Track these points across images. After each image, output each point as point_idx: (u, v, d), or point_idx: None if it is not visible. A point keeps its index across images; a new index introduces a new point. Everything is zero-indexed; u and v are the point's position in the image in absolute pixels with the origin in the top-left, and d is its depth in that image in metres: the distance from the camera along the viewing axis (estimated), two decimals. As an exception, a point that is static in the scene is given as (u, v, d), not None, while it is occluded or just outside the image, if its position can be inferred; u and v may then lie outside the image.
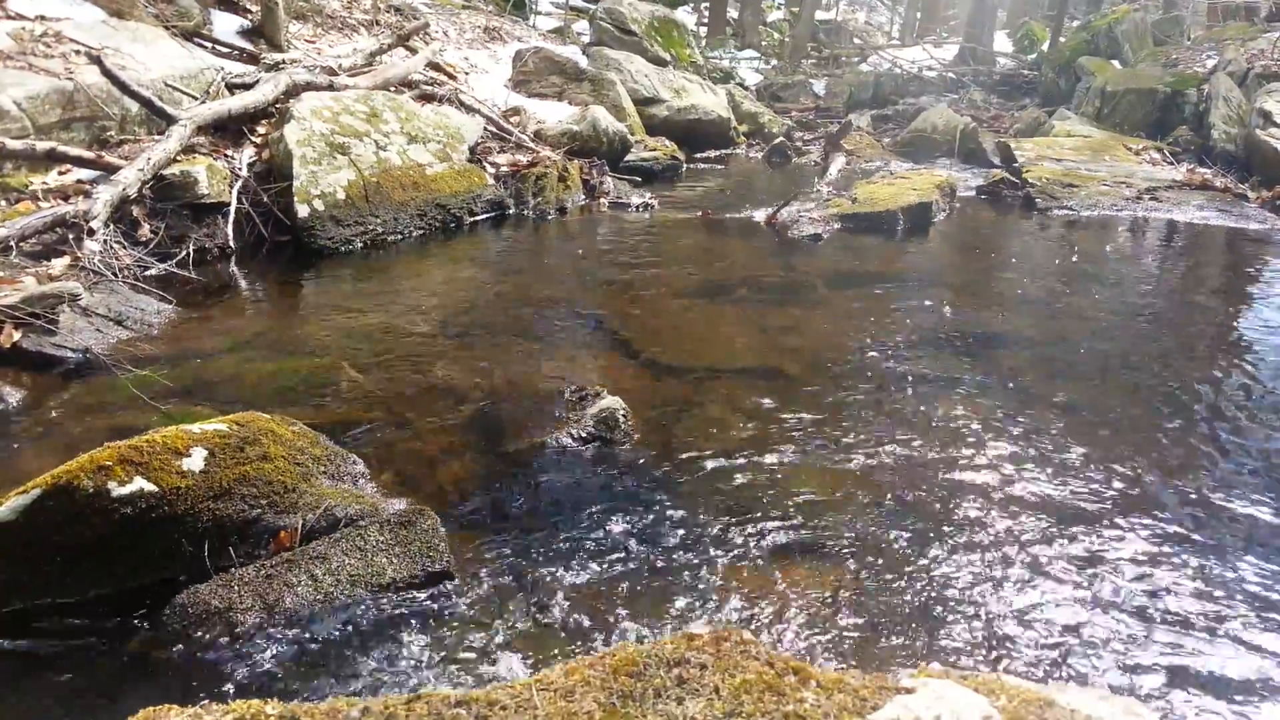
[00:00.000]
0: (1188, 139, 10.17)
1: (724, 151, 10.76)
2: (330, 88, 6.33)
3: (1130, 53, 14.06)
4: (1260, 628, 2.26)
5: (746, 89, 13.94)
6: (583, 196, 7.38)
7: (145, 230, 4.67)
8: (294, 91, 6.04)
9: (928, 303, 5.06)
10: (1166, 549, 2.59)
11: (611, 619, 2.22)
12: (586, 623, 2.20)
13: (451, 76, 8.47)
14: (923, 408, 3.49)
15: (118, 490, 2.13)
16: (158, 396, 3.22)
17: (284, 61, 6.87)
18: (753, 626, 2.19)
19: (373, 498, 2.53)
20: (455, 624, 2.18)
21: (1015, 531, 2.65)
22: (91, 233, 4.18)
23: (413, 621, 2.17)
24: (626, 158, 8.48)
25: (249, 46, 7.23)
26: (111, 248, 4.32)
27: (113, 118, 5.20)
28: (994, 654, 2.15)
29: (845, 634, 2.19)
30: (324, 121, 5.70)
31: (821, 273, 5.58)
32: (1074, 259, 6.33)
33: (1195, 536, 2.66)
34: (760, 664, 1.55)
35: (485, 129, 7.33)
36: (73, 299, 3.74)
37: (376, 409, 3.27)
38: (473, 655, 2.07)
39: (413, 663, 2.04)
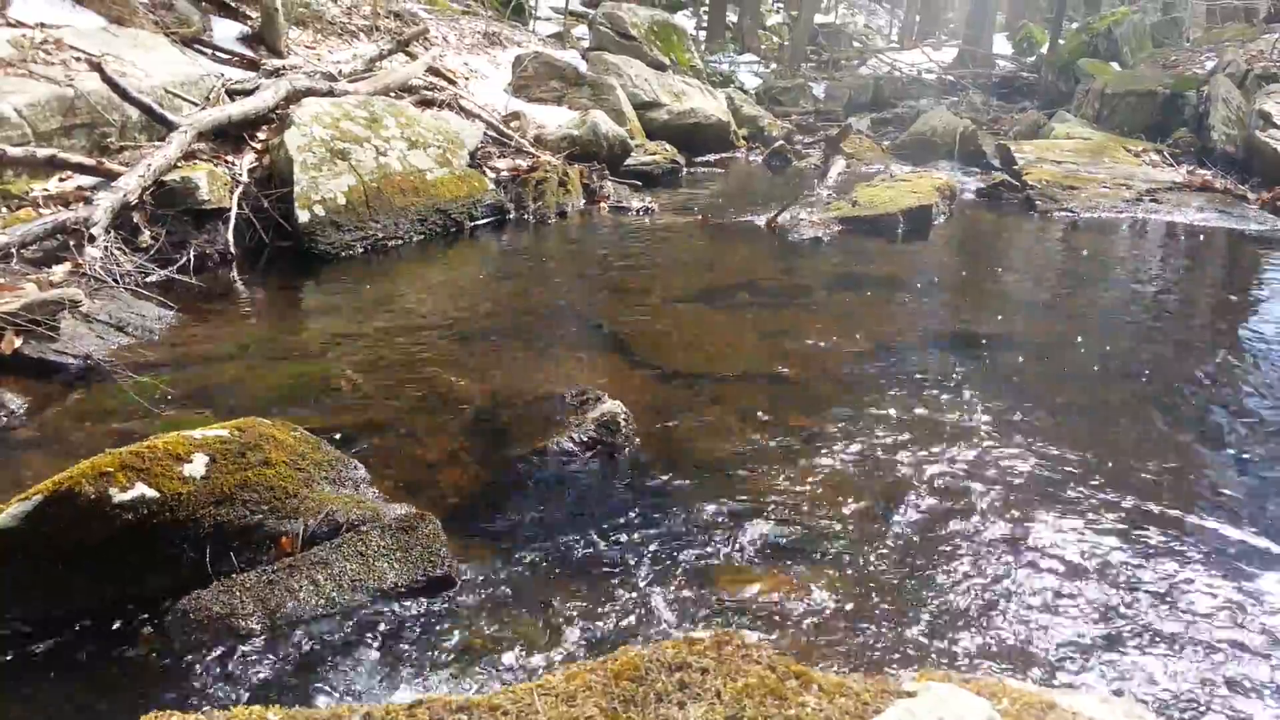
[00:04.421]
0: (1187, 141, 10.17)
1: (724, 155, 10.77)
2: (330, 93, 6.34)
3: (1129, 55, 14.08)
4: (1261, 629, 2.26)
5: (746, 93, 13.95)
6: (583, 201, 7.39)
7: (146, 236, 4.67)
8: (294, 97, 6.05)
9: (928, 305, 5.07)
10: (1170, 552, 2.58)
11: (613, 623, 2.21)
12: (588, 626, 2.20)
13: (451, 82, 8.48)
14: (924, 411, 3.49)
15: (119, 496, 2.13)
16: (159, 402, 3.22)
17: (284, 67, 6.88)
18: (754, 630, 2.19)
19: (374, 503, 2.53)
20: (457, 629, 2.17)
21: (1017, 534, 2.64)
22: (92, 239, 4.19)
23: (414, 626, 2.17)
24: (626, 162, 8.50)
25: (249, 53, 7.24)
26: (112, 254, 4.33)
27: (113, 124, 5.21)
28: (996, 657, 2.15)
29: (847, 637, 2.19)
30: (324, 127, 5.71)
31: (822, 276, 5.58)
32: (1074, 261, 6.33)
33: (1199, 539, 2.66)
34: (762, 668, 1.55)
35: (485, 134, 7.35)
36: (74, 305, 3.74)
37: (378, 414, 3.27)
38: (474, 660, 2.07)
39: (414, 668, 2.04)
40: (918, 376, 3.84)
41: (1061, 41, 15.42)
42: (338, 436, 2.96)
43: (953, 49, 18.84)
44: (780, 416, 3.39)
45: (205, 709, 1.56)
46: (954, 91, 15.82)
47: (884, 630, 2.22)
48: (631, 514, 2.70)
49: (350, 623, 2.15)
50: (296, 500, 2.38)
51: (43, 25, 5.62)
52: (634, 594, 2.33)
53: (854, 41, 21.22)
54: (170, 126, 5.13)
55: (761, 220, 6.94)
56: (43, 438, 3.01)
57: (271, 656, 2.04)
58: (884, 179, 8.56)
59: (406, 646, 2.10)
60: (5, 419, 3.13)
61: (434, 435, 3.14)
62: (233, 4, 7.91)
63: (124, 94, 5.09)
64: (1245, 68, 10.69)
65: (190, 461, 2.27)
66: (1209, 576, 2.47)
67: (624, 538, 2.58)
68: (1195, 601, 2.36)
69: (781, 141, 11.15)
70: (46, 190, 4.67)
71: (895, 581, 2.41)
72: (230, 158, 5.54)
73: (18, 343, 3.46)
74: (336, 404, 3.35)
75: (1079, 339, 4.46)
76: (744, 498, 2.80)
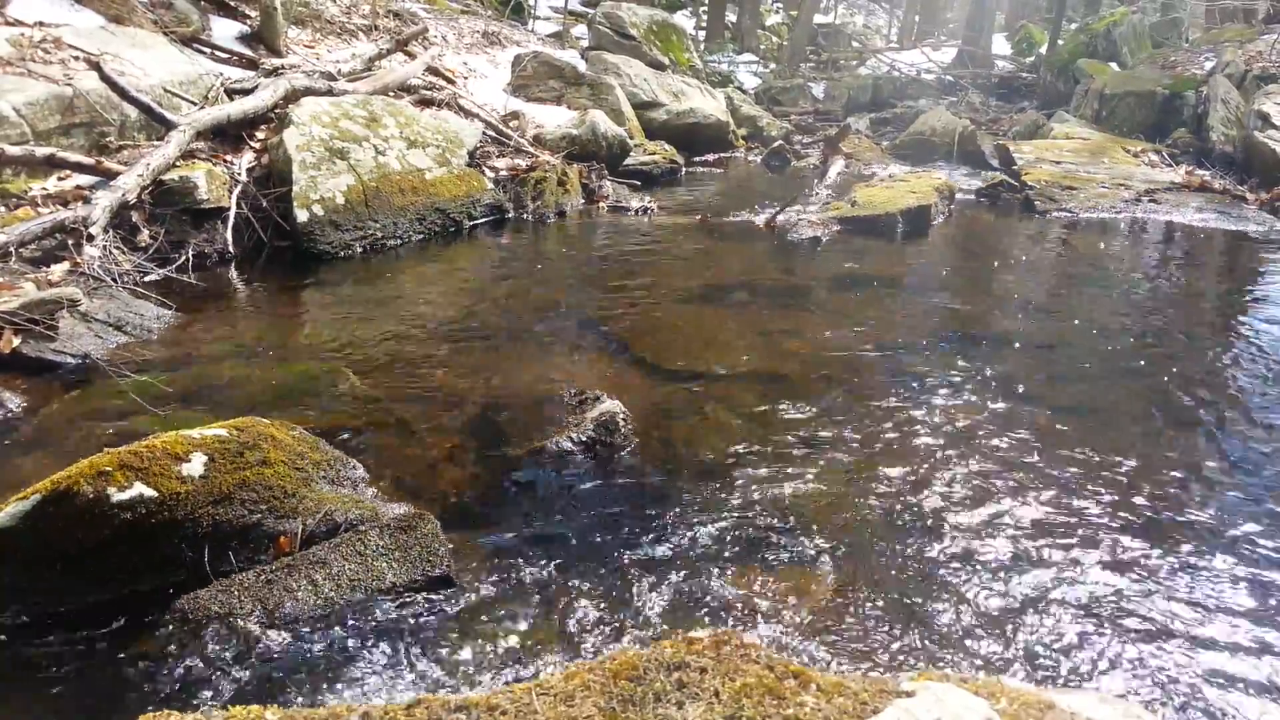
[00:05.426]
0: (1186, 141, 10.18)
1: (723, 155, 10.77)
2: (329, 93, 6.34)
3: (1128, 55, 14.09)
4: (1259, 630, 2.26)
5: (745, 93, 13.95)
6: (582, 200, 7.39)
7: (145, 236, 4.67)
8: (293, 97, 6.05)
9: (927, 305, 5.07)
10: (1168, 552, 2.59)
11: (611, 622, 2.22)
12: (586, 626, 2.20)
13: (450, 81, 8.47)
14: (923, 410, 3.49)
15: (118, 496, 2.13)
16: (157, 402, 3.22)
17: (283, 67, 6.88)
18: (753, 630, 2.19)
19: (373, 502, 2.53)
20: (455, 628, 2.17)
21: (1016, 534, 2.65)
22: (91, 238, 4.19)
23: (412, 626, 2.17)
24: (625, 161, 8.49)
25: (248, 52, 7.23)
26: (111, 253, 4.33)
27: (112, 123, 5.20)
28: (995, 657, 2.15)
29: (845, 637, 2.19)
30: (323, 126, 5.71)
31: (821, 276, 5.58)
32: (1073, 261, 6.34)
33: (1197, 540, 2.66)
34: (760, 667, 1.55)
35: (484, 133, 7.34)
36: (72, 304, 3.74)
37: (376, 413, 3.27)
38: (472, 659, 2.07)
39: (412, 667, 2.04)
40: (917, 376, 3.84)
41: (1060, 42, 15.43)
42: (336, 436, 2.96)
43: (952, 49, 18.83)
44: (779, 416, 3.39)
45: (204, 709, 1.56)
46: (953, 92, 15.82)
47: (883, 630, 2.22)
48: (630, 513, 2.70)
49: (349, 622, 2.15)
50: (295, 500, 2.38)
51: (41, 24, 5.61)
52: (632, 594, 2.33)
53: (853, 41, 21.21)
54: (169, 125, 5.13)
55: (760, 220, 6.94)
56: (40, 437, 3.01)
57: (270, 656, 2.04)
58: (883, 179, 8.56)
59: (405, 646, 2.10)
60: (3, 418, 3.12)
61: (433, 435, 3.14)
62: (232, 3, 7.90)
63: (123, 93, 5.09)
64: (1244, 68, 10.70)
65: (189, 461, 2.27)
66: (1210, 576, 2.47)
67: (623, 537, 2.58)
68: (1197, 600, 2.36)
69: (780, 141, 11.15)
70: (45, 189, 4.66)
71: (894, 581, 2.42)
72: (229, 157, 5.53)
73: (16, 342, 3.46)
74: (335, 403, 3.35)
75: (1078, 339, 4.46)
76: (742, 497, 2.80)
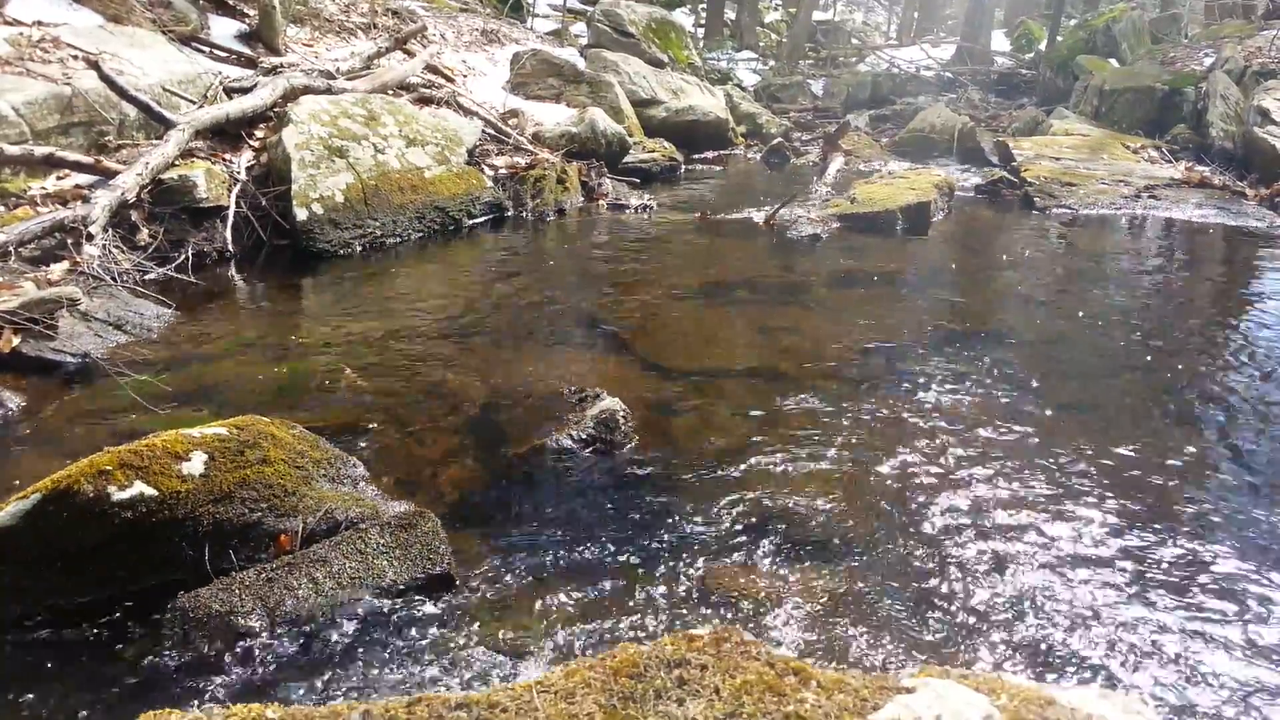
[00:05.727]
0: (1186, 137, 10.17)
1: (722, 152, 10.76)
2: (328, 91, 6.34)
3: (1128, 51, 14.07)
4: (1260, 625, 2.26)
5: (744, 90, 13.95)
6: (581, 198, 7.38)
7: (144, 235, 4.67)
8: (292, 95, 6.04)
9: (927, 302, 5.07)
10: (1168, 548, 2.59)
11: (612, 620, 2.22)
12: (587, 624, 2.20)
13: (449, 79, 8.47)
14: (923, 408, 3.49)
15: (118, 495, 2.13)
16: (157, 401, 3.22)
17: (282, 65, 6.87)
18: (753, 626, 2.19)
19: (373, 500, 2.53)
20: (456, 626, 2.17)
21: (1016, 530, 2.65)
22: (90, 237, 4.18)
23: (413, 624, 2.17)
24: (625, 159, 8.49)
25: (246, 50, 7.23)
26: (110, 252, 4.32)
27: (111, 123, 5.20)
28: (995, 653, 2.15)
29: (846, 634, 2.19)
30: (322, 125, 5.70)
31: (820, 273, 5.58)
32: (1073, 258, 6.33)
33: (1197, 536, 2.66)
34: (761, 664, 1.55)
35: (483, 131, 7.34)
36: (72, 304, 3.73)
37: (376, 412, 3.27)
38: (473, 657, 2.07)
39: (413, 665, 2.04)
40: (917, 374, 3.84)
41: (1060, 38, 15.39)
42: (336, 435, 2.96)
43: (951, 46, 18.81)
44: (779, 413, 3.39)
45: (204, 707, 1.56)
46: (952, 88, 15.80)
47: (883, 627, 2.22)
48: (630, 511, 2.70)
49: (349, 620, 2.15)
50: (295, 498, 2.38)
51: (40, 23, 5.61)
52: (633, 591, 2.33)
53: (852, 38, 21.20)
54: (168, 125, 5.13)
55: (760, 217, 6.93)
56: (41, 436, 3.01)
57: (270, 654, 2.04)
58: (882, 176, 8.56)
59: (406, 644, 2.10)
60: (3, 418, 3.12)
61: (433, 433, 3.14)
62: (230, 2, 7.90)
63: (121, 92, 5.08)
64: (1243, 64, 10.69)
65: (189, 460, 2.26)
66: (1212, 572, 2.47)
67: (623, 535, 2.58)
68: (1198, 596, 2.36)
69: (780, 139, 11.14)
70: (44, 188, 4.66)
71: (894, 578, 2.42)
72: (228, 156, 5.53)
73: (16, 341, 3.46)
74: (335, 402, 3.35)
75: (1079, 335, 4.46)
76: (742, 495, 2.80)
